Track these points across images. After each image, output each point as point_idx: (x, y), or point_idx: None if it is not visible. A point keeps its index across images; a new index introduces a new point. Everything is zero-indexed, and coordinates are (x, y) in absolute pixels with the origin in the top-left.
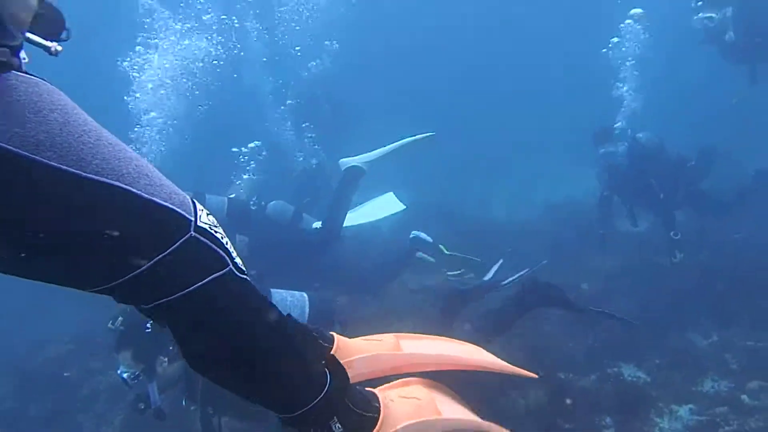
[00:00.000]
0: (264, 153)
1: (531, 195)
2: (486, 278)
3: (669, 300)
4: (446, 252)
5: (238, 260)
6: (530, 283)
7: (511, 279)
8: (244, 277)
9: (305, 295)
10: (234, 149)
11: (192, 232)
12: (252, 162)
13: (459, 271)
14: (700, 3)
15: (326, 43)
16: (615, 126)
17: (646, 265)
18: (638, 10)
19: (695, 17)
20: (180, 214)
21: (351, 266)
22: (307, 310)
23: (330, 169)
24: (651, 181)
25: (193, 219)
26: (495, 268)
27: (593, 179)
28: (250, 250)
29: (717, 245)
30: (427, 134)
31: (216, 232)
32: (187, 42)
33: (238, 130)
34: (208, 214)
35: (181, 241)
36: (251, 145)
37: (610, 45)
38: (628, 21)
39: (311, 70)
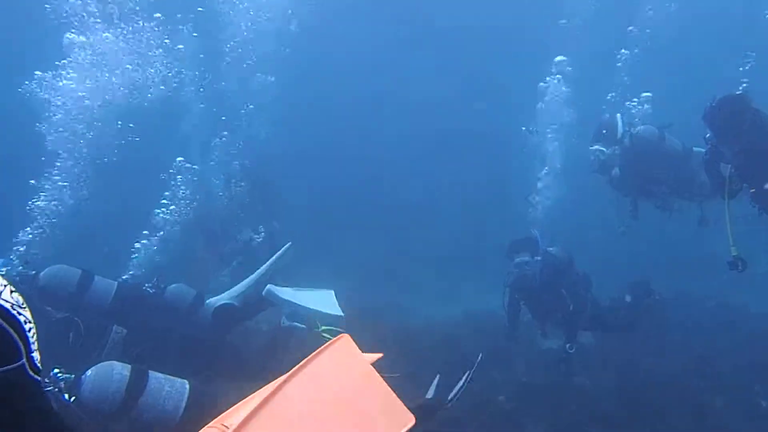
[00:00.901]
0: None
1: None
2: (428, 396)
3: (576, 421)
4: (320, 329)
5: (36, 355)
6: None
7: (457, 391)
8: (36, 378)
9: (187, 385)
10: None
11: None
12: None
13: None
14: (595, 136)
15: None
16: (532, 235)
17: (560, 383)
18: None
19: (590, 147)
20: None
21: (236, 354)
22: (183, 403)
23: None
24: (562, 292)
25: None
26: (435, 383)
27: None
28: (126, 343)
29: (625, 367)
30: (286, 246)
31: (19, 313)
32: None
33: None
34: (12, 292)
35: None
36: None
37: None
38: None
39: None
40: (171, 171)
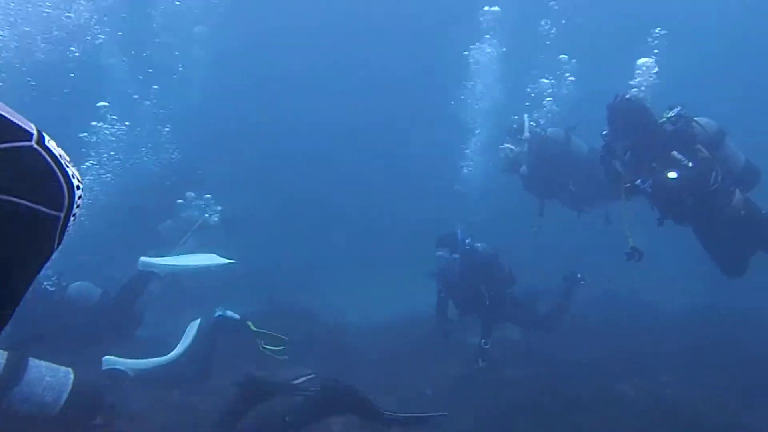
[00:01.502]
0: None
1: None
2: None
3: (502, 412)
4: (254, 329)
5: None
6: (330, 387)
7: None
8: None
9: (71, 375)
10: None
11: (33, 143)
12: None
13: (280, 348)
14: (505, 135)
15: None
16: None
17: (487, 375)
18: None
19: (500, 146)
20: (17, 124)
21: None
22: (65, 394)
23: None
24: (480, 288)
25: (34, 133)
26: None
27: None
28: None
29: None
30: (229, 261)
31: (67, 166)
32: None
33: None
34: (58, 146)
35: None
36: None
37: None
38: None
39: None
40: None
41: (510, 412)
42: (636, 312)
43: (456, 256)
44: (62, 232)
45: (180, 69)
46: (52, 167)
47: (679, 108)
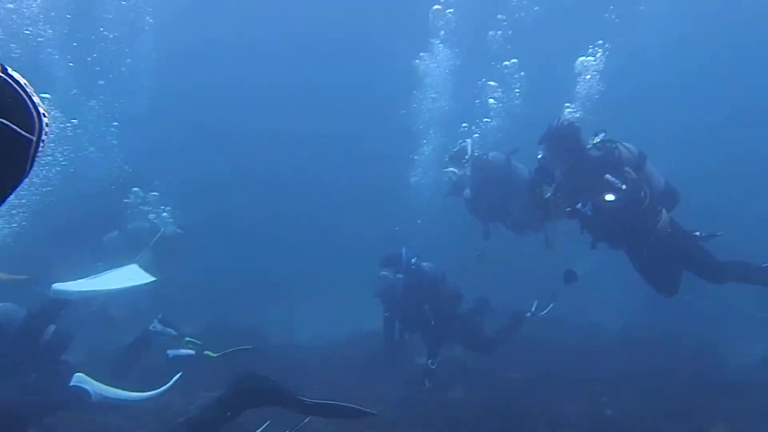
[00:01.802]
0: None
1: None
2: None
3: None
4: (213, 355)
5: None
6: (243, 380)
7: None
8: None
9: None
10: None
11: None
12: None
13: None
14: (447, 159)
15: None
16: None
17: (434, 396)
18: None
19: (443, 170)
20: None
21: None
22: None
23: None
24: (424, 308)
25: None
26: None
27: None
28: None
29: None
30: (150, 280)
31: (33, 95)
32: None
33: None
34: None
35: None
36: None
37: None
38: None
39: None
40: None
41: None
42: (580, 332)
43: (400, 276)
44: (33, 158)
45: (124, 68)
46: (20, 93)
47: (603, 134)
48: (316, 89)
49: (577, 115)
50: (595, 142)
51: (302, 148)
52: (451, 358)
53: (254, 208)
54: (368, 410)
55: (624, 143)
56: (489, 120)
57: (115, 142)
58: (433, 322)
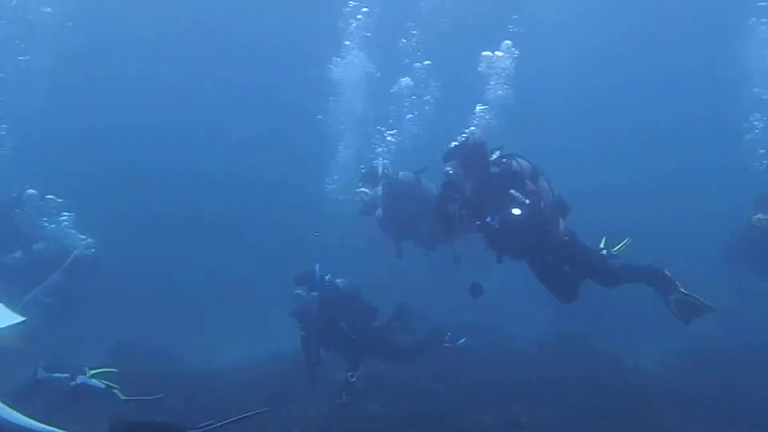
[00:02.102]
0: None
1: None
2: None
3: None
4: (122, 397)
5: None
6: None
7: None
8: None
9: None
10: None
11: None
12: None
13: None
14: (359, 180)
15: None
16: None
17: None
18: None
19: (355, 189)
20: None
21: None
22: None
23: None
24: (341, 323)
25: None
26: None
27: None
28: None
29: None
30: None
31: None
32: None
33: None
34: None
35: None
36: None
37: None
38: None
39: None
40: None
41: None
42: (494, 342)
43: (314, 293)
44: None
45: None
46: None
47: (499, 150)
48: (226, 88)
49: (488, 118)
50: (493, 158)
51: (213, 150)
52: (370, 371)
53: (162, 214)
54: (257, 411)
55: (518, 157)
56: (392, 139)
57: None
58: (352, 337)
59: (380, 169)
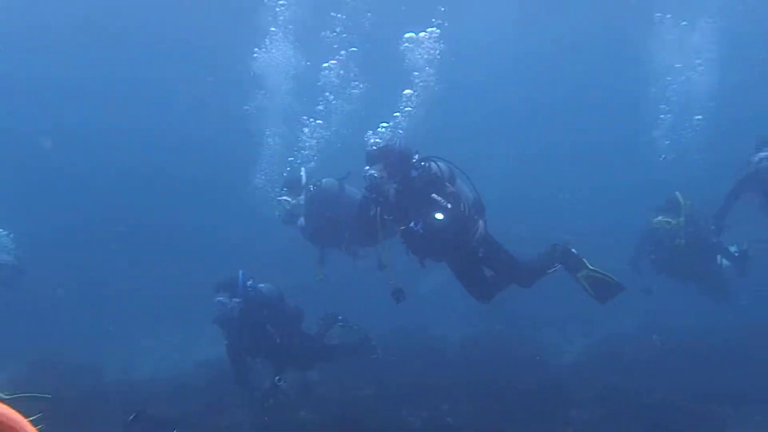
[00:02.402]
0: None
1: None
2: None
3: None
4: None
5: None
6: None
7: None
8: None
9: None
10: None
11: None
12: None
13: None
14: (282, 188)
15: None
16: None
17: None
18: None
19: (276, 198)
20: None
21: None
22: None
23: None
24: (267, 328)
25: None
26: None
27: None
28: None
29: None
30: None
31: None
32: None
33: None
34: None
35: None
36: None
37: None
38: None
39: None
40: None
41: None
42: (422, 344)
43: (237, 300)
44: None
45: None
46: None
47: (417, 155)
48: (143, 88)
49: (411, 108)
50: (413, 161)
51: (133, 153)
52: (298, 377)
53: (74, 218)
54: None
55: (437, 159)
56: (309, 152)
57: None
58: (278, 341)
59: (303, 176)
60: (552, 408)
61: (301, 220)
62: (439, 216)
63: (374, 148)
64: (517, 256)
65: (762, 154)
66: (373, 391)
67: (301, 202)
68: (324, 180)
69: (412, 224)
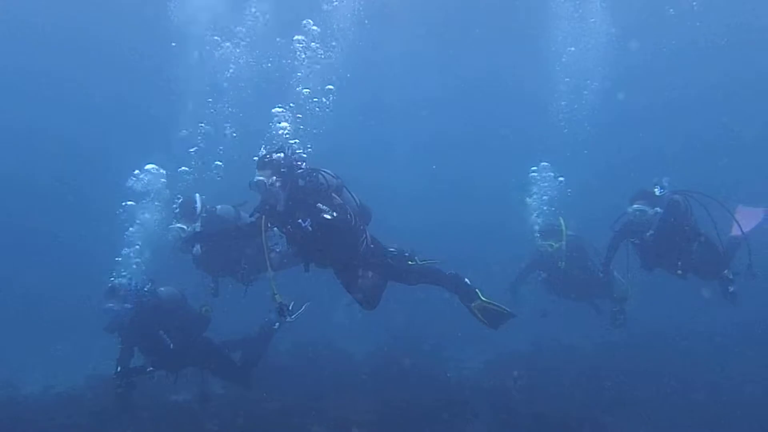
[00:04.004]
0: None
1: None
2: None
3: None
4: None
5: None
6: None
7: None
8: None
9: None
10: None
11: None
12: None
13: None
14: (175, 214)
15: None
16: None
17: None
18: None
19: (169, 226)
20: None
21: None
22: None
23: None
24: (160, 333)
25: None
26: None
27: None
28: None
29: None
30: None
31: None
32: None
33: None
34: None
35: None
36: None
37: None
38: None
39: None
40: None
41: None
42: (326, 357)
43: (128, 305)
44: None
45: None
46: None
47: (304, 163)
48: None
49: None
50: (299, 172)
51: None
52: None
53: None
54: None
55: (324, 170)
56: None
57: None
58: (172, 347)
59: (198, 202)
60: (452, 419)
61: (197, 248)
62: (327, 216)
63: (265, 155)
64: (407, 264)
65: (636, 206)
66: (279, 404)
67: (197, 230)
68: (219, 207)
69: (300, 221)
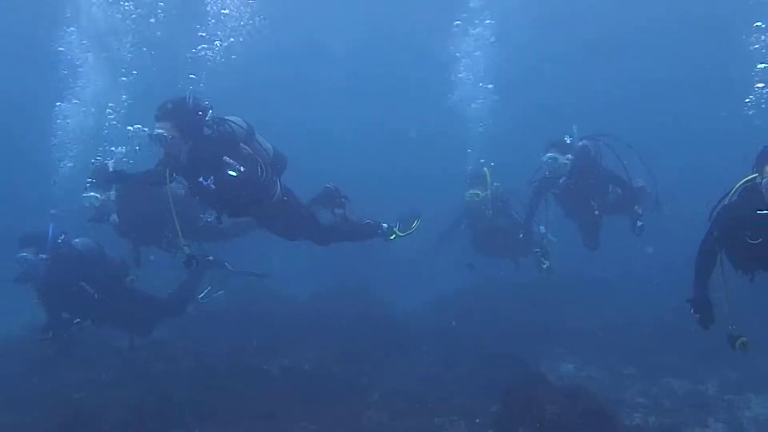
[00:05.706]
0: None
1: None
2: None
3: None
4: None
5: None
6: None
7: None
8: None
9: None
10: None
11: None
12: None
13: None
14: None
15: None
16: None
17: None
18: None
19: (82, 195)
20: None
21: None
22: None
23: None
24: (82, 285)
25: None
26: None
27: None
28: None
29: None
30: None
31: None
32: None
33: None
34: None
35: None
36: None
37: None
38: None
39: None
40: None
41: (161, 408)
42: (273, 304)
43: (43, 256)
44: None
45: None
46: None
47: (210, 111)
48: None
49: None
50: (206, 119)
51: None
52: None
53: None
54: None
55: (233, 117)
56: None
57: None
58: (96, 296)
59: (111, 168)
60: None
61: (114, 217)
62: (233, 173)
63: (164, 103)
64: (317, 220)
65: (548, 155)
66: (229, 346)
67: (112, 198)
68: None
69: (201, 179)
